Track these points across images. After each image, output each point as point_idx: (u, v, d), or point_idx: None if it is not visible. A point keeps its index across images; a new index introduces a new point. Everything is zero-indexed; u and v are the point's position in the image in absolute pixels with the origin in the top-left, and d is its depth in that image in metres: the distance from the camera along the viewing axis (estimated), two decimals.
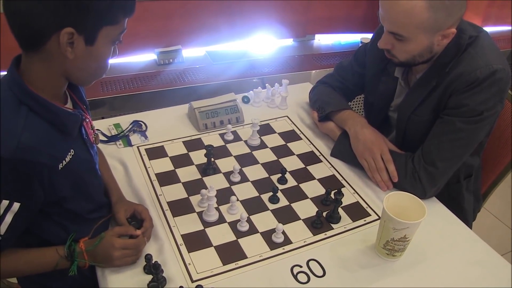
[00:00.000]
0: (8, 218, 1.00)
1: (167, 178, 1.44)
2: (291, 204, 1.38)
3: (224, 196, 1.36)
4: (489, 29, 1.36)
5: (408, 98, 1.48)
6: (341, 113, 1.62)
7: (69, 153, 1.07)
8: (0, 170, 0.93)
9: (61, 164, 1.04)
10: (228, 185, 1.43)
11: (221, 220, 1.31)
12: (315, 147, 1.63)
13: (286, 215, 1.34)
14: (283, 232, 1.27)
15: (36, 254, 1.12)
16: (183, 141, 1.60)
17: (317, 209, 1.32)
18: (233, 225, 1.29)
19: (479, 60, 1.33)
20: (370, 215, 1.37)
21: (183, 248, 1.22)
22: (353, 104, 3.18)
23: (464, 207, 1.62)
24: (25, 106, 0.99)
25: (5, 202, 0.98)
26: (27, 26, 0.94)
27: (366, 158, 1.48)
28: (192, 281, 1.13)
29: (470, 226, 1.62)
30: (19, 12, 0.93)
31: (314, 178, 1.49)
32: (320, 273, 1.19)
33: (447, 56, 1.36)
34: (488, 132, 1.47)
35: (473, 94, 1.32)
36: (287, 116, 1.78)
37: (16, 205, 0.99)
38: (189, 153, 1.55)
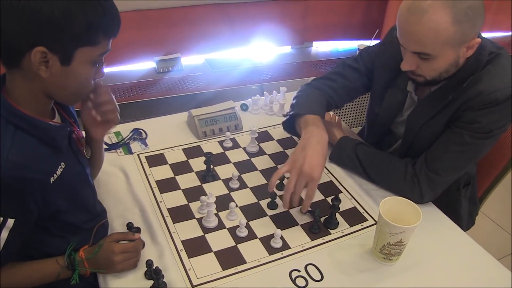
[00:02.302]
0: (4, 234, 0.99)
1: (167, 185, 1.46)
2: (289, 210, 1.40)
3: (223, 202, 1.38)
4: (484, 34, 1.36)
5: (420, 109, 1.46)
6: (310, 116, 1.44)
7: (60, 166, 1.06)
8: None
9: (52, 177, 1.03)
10: (227, 192, 1.45)
11: (220, 226, 1.33)
12: None
13: (284, 221, 1.36)
14: (282, 238, 1.29)
15: (37, 267, 1.12)
16: (182, 149, 1.62)
17: (315, 215, 1.33)
18: (232, 230, 1.31)
19: (500, 81, 1.30)
20: (367, 220, 1.39)
21: (183, 254, 1.23)
22: (359, 100, 3.18)
23: (461, 213, 1.64)
24: (11, 124, 0.98)
25: (0, 219, 0.98)
26: (3, 42, 0.94)
27: (293, 174, 1.29)
28: (192, 286, 1.15)
29: (464, 231, 1.64)
30: None
31: None
32: (318, 277, 1.20)
33: (466, 71, 1.34)
34: (492, 147, 1.44)
35: (488, 113, 1.31)
36: None
37: (10, 221, 0.99)
38: (189, 160, 1.57)
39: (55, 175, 1.04)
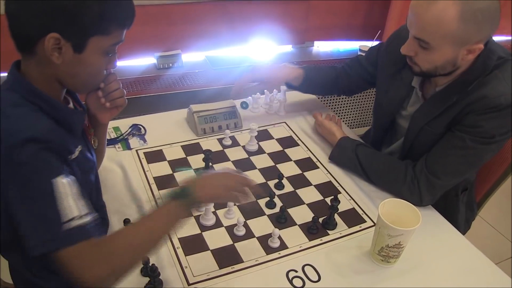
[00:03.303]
0: (74, 189, 0.95)
1: (165, 182, 1.45)
2: (288, 210, 1.38)
3: None
4: None
5: (424, 109, 1.46)
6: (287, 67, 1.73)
7: (77, 148, 1.07)
8: (37, 152, 0.92)
9: (71, 156, 1.03)
10: None
11: (218, 224, 1.32)
12: (312, 153, 1.64)
13: (282, 220, 1.35)
14: (279, 237, 1.28)
15: (152, 218, 1.02)
16: (181, 145, 1.61)
17: (313, 215, 1.33)
18: (230, 229, 1.30)
19: (505, 86, 1.30)
20: (366, 221, 1.38)
21: (180, 252, 1.23)
22: (359, 101, 3.19)
23: (458, 218, 1.63)
24: (32, 105, 1.00)
25: (66, 180, 0.94)
26: (18, 28, 0.97)
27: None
28: (189, 284, 1.14)
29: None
30: (11, 14, 0.96)
31: (310, 184, 1.50)
32: (315, 278, 1.20)
33: (472, 74, 1.33)
34: (494, 154, 1.43)
35: (490, 118, 1.31)
36: (285, 122, 1.80)
37: (75, 180, 0.97)
38: (188, 157, 1.56)
39: (73, 155, 1.05)
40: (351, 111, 3.22)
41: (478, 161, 1.42)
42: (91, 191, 1.21)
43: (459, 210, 1.62)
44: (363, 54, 1.76)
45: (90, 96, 1.22)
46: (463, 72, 1.34)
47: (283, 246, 1.27)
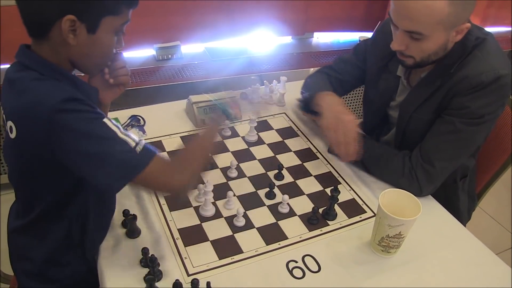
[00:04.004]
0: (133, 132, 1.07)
1: None
2: (288, 202, 1.38)
3: (221, 191, 1.37)
4: (487, 29, 1.36)
5: (410, 97, 1.47)
6: (324, 92, 1.54)
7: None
8: (85, 103, 0.99)
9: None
10: (225, 181, 1.44)
11: (217, 215, 1.32)
12: (312, 144, 1.64)
13: (282, 211, 1.35)
14: (279, 228, 1.28)
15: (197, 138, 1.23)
16: (181, 136, 1.61)
17: (313, 205, 1.33)
18: (230, 220, 1.30)
19: (486, 64, 1.31)
20: (366, 212, 1.38)
21: (180, 242, 1.22)
22: (350, 99, 3.19)
23: (459, 207, 1.63)
24: (53, 79, 1.03)
25: (110, 122, 1.02)
26: (33, 13, 1.00)
27: (336, 130, 1.40)
28: (188, 275, 1.14)
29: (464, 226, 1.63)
30: (24, 0, 0.99)
31: (310, 175, 1.49)
32: (316, 268, 1.19)
33: (452, 57, 1.34)
34: (486, 134, 1.46)
35: (476, 97, 1.31)
36: (284, 113, 1.79)
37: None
38: None
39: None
40: (348, 105, 3.21)
41: (471, 144, 1.42)
42: None
43: (459, 198, 1.62)
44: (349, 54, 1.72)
45: (96, 75, 1.24)
46: (444, 55, 1.35)
47: (283, 236, 1.27)
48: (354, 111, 3.27)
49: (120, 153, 1.00)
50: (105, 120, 1.01)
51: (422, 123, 1.44)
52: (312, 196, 1.41)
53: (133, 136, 1.04)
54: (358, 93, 3.17)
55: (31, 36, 1.04)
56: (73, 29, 0.99)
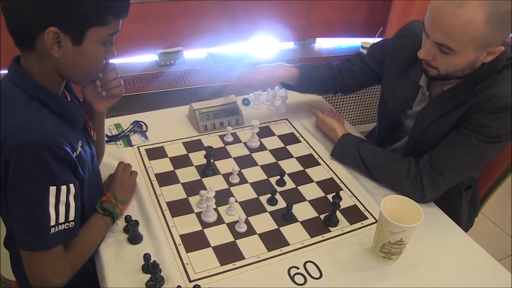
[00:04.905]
0: (73, 202, 1.04)
1: (166, 179, 1.45)
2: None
3: (223, 197, 1.37)
4: None
5: (430, 107, 1.44)
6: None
7: (79, 143, 1.10)
8: (45, 158, 0.97)
9: (75, 152, 1.07)
10: (227, 187, 1.44)
11: (219, 221, 1.32)
12: (314, 150, 1.64)
13: (284, 217, 1.35)
14: (281, 234, 1.28)
15: (89, 226, 1.18)
16: (183, 142, 1.61)
17: (315, 212, 1.33)
18: (232, 226, 1.30)
19: None
20: (368, 218, 1.38)
21: (182, 248, 1.22)
22: (362, 98, 3.19)
23: (461, 215, 1.63)
24: (35, 100, 1.02)
25: (64, 188, 1.02)
26: (16, 24, 0.98)
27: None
28: (190, 281, 1.14)
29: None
30: (8, 10, 0.98)
31: (312, 181, 1.50)
32: (317, 275, 1.20)
33: (481, 73, 1.31)
34: (498, 153, 1.42)
35: (498, 118, 1.30)
36: (286, 119, 1.79)
37: (72, 187, 1.04)
38: (189, 154, 1.56)
39: (76, 151, 1.08)
40: (354, 108, 3.21)
41: (483, 160, 1.41)
42: (93, 184, 1.22)
43: (462, 207, 1.62)
44: (365, 51, 1.74)
45: (87, 86, 1.23)
46: (472, 71, 1.32)
47: (284, 243, 1.27)
48: (369, 114, 3.28)
49: (35, 222, 1.00)
50: (52, 187, 1.00)
51: (439, 135, 1.42)
52: (314, 202, 1.41)
53: (69, 215, 1.04)
54: (374, 95, 3.18)
55: (17, 46, 1.03)
56: (57, 41, 0.97)
